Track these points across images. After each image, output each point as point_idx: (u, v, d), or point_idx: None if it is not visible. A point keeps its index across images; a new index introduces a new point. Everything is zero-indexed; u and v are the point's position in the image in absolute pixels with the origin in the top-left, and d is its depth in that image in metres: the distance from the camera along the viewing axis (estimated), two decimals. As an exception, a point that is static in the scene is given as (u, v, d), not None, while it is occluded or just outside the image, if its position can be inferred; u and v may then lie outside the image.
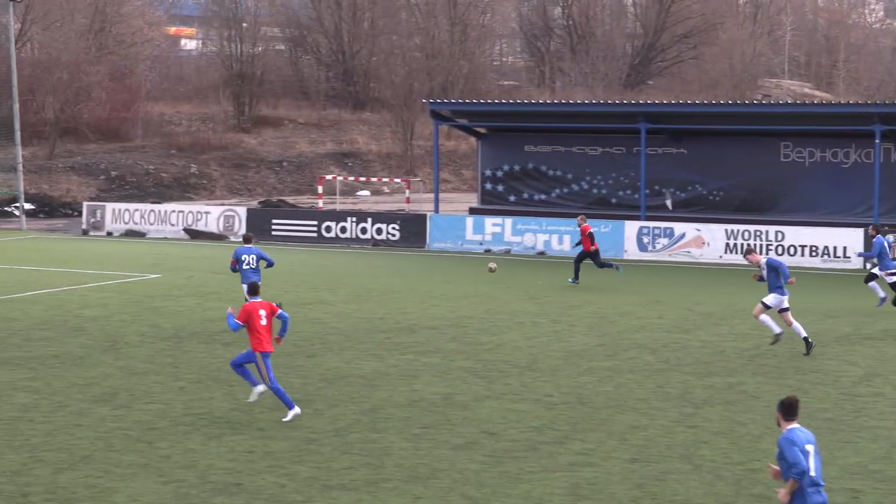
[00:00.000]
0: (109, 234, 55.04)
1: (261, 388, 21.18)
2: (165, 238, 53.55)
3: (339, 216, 52.88)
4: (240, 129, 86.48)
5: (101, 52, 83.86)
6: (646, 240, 47.16)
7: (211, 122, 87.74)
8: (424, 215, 50.49)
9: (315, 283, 38.54)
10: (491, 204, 54.47)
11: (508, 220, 49.92)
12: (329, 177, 69.61)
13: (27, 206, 62.62)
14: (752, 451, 18.79)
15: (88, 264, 43.69)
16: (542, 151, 54.03)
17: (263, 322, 20.68)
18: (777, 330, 26.83)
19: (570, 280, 39.04)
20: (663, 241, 47.19)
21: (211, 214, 54.31)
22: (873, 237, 33.62)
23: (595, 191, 53.03)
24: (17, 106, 61.27)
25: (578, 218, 40.50)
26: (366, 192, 76.03)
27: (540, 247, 48.19)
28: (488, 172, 55.22)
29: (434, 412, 21.41)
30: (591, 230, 39.46)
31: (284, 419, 20.51)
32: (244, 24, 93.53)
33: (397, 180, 70.63)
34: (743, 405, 21.97)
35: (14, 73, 61.13)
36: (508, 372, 24.81)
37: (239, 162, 79.70)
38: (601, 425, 20.52)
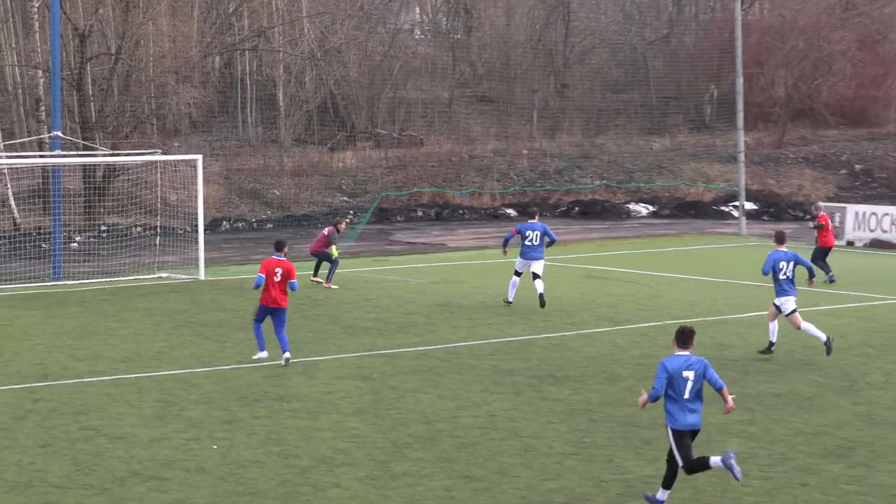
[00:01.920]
0: (850, 243, 54.92)
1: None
2: (926, 252, 52.96)
3: None
4: None
5: (847, 14, 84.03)
6: None
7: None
8: None
9: None
10: None
11: None
12: None
13: (748, 205, 63.67)
14: None
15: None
16: None
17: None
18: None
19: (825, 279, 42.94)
20: None
21: None
22: None
23: None
24: (740, 81, 62.25)
25: (814, 207, 46.66)
26: None
27: None
28: None
29: None
30: (823, 223, 44.24)
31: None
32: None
33: None
34: None
35: (739, 40, 62.12)
36: None
37: None
38: None
